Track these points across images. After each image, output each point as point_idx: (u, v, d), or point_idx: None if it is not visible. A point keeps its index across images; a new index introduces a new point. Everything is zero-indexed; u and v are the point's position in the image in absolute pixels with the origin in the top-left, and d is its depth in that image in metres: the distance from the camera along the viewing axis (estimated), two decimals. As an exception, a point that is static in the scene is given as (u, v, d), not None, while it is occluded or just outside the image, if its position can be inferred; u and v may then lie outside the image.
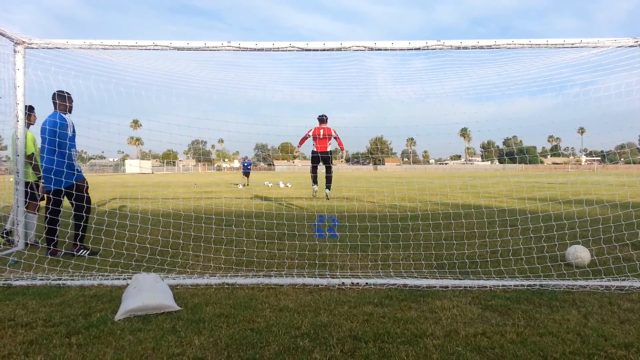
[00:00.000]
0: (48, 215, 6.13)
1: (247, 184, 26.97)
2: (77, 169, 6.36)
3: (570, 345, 3.17)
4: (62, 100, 6.39)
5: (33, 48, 6.13)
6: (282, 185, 24.88)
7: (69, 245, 6.33)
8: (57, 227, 6.26)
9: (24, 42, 6.05)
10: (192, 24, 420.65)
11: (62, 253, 6.19)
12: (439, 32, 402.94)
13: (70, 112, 6.52)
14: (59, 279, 4.85)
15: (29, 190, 6.41)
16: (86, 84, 6.30)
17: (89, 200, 6.41)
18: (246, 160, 30.09)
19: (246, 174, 29.10)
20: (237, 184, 26.91)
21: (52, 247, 6.17)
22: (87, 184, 6.48)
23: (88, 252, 6.16)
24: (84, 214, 6.27)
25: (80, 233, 6.28)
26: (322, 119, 12.65)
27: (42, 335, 3.37)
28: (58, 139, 6.16)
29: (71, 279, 4.87)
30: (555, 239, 6.35)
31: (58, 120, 6.21)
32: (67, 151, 6.20)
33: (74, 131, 6.37)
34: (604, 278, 4.86)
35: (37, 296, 4.30)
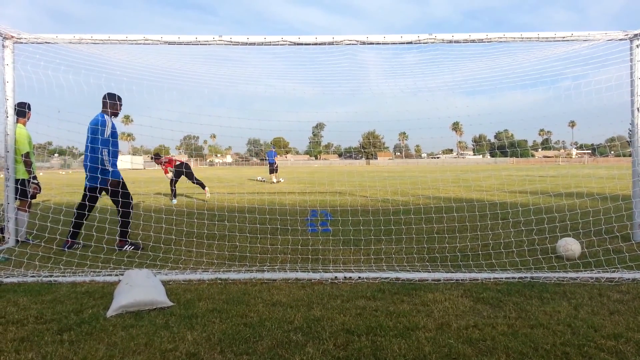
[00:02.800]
0: (75, 211, 6.31)
1: (273, 180, 23.91)
2: (109, 169, 6.33)
3: (561, 337, 3.20)
4: (105, 104, 6.47)
5: (22, 43, 6.06)
6: (274, 180, 24.72)
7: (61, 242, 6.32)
8: (84, 222, 6.35)
9: (12, 36, 5.98)
10: (183, 17, 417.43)
11: (81, 246, 6.29)
12: (432, 25, 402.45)
13: (115, 115, 6.57)
14: (51, 276, 4.82)
15: (19, 187, 6.36)
16: (76, 79, 6.25)
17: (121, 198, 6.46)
18: (273, 150, 25.77)
19: (273, 167, 24.60)
20: (272, 180, 24.23)
21: (69, 240, 6.29)
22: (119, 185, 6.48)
23: (133, 247, 6.33)
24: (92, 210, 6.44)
25: (121, 229, 6.37)
26: None
27: (34, 332, 3.34)
28: (92, 137, 6.25)
29: (63, 276, 4.84)
30: (546, 231, 6.40)
31: (97, 121, 6.31)
32: (99, 150, 6.24)
33: (112, 134, 6.37)
34: (594, 270, 4.91)
35: (28, 293, 4.27)
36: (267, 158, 25.55)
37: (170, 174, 14.15)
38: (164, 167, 14.37)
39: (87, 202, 6.28)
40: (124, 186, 6.45)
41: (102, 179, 6.25)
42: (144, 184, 21.66)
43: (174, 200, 13.67)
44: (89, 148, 6.29)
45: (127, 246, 6.30)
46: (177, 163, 14.31)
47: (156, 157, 14.81)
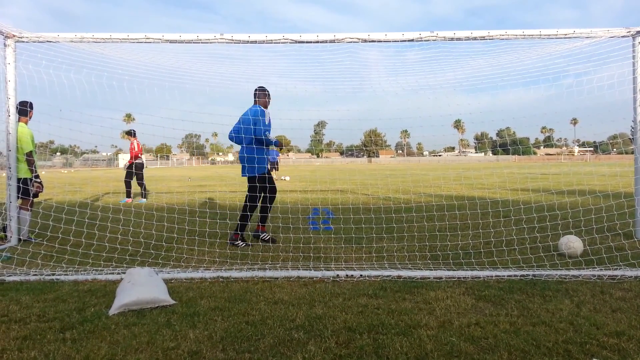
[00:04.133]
0: (247, 203, 6.49)
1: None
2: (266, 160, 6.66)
3: (563, 335, 3.19)
4: (262, 96, 6.73)
5: (24, 42, 6.06)
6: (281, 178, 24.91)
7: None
8: (249, 214, 6.52)
9: (14, 35, 5.98)
10: (186, 16, 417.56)
11: (244, 245, 6.39)
12: (434, 23, 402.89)
13: (265, 107, 6.77)
14: (53, 274, 4.83)
15: (21, 186, 6.37)
16: (77, 77, 6.25)
17: (272, 190, 6.65)
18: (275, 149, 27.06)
19: (274, 165, 25.52)
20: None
21: (237, 232, 6.47)
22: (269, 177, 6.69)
23: (244, 244, 6.40)
24: (251, 204, 6.52)
25: (242, 223, 6.48)
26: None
27: (36, 330, 3.35)
28: (255, 128, 6.46)
29: (65, 274, 4.85)
30: (548, 229, 6.39)
31: (256, 112, 6.53)
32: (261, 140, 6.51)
33: (268, 124, 6.66)
34: (596, 267, 4.90)
35: (31, 292, 4.28)
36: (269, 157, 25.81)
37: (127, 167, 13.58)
38: (135, 148, 13.44)
39: (256, 194, 6.51)
40: (262, 182, 6.56)
41: (249, 167, 6.48)
42: (146, 183, 21.67)
43: (125, 200, 13.03)
44: (252, 139, 6.44)
45: (239, 241, 6.41)
46: (138, 161, 13.55)
47: (131, 133, 13.60)
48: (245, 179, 6.58)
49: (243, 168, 6.53)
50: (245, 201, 6.49)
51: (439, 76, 7.27)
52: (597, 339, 3.11)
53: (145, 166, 13.93)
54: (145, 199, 13.27)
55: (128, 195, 13.28)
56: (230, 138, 6.57)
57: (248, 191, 6.46)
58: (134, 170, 13.39)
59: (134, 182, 13.50)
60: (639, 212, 6.18)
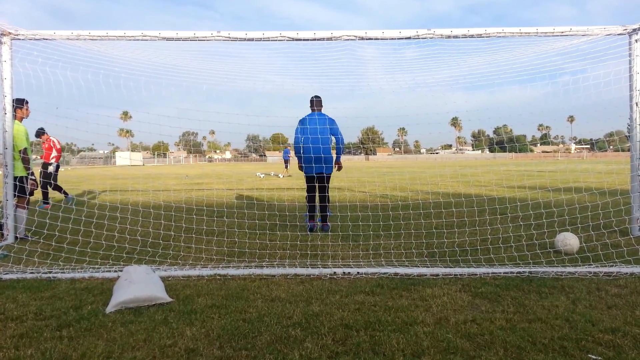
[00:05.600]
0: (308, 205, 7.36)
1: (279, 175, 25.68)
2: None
3: (559, 331, 3.21)
4: (318, 103, 7.49)
5: (20, 39, 6.03)
6: (281, 175, 25.22)
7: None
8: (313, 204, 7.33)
9: (10, 33, 5.95)
10: (183, 13, 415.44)
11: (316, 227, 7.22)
12: (433, 20, 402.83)
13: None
14: (50, 272, 4.82)
15: (18, 184, 6.35)
16: (74, 75, 6.22)
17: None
18: (288, 148, 28.30)
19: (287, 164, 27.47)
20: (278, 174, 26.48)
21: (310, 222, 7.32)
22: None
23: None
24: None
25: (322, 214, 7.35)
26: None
27: (33, 328, 3.35)
28: (332, 127, 7.26)
29: (62, 272, 4.84)
30: (544, 226, 6.41)
31: (331, 117, 7.35)
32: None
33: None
34: (592, 264, 4.92)
35: (28, 289, 4.28)
36: (283, 155, 29.44)
37: (52, 168, 11.33)
38: (56, 145, 11.46)
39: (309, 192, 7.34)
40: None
41: (328, 166, 7.16)
42: (143, 180, 21.67)
43: (46, 204, 10.87)
44: (327, 140, 7.17)
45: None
46: (54, 162, 11.46)
47: (40, 132, 11.45)
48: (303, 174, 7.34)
49: (324, 166, 7.11)
50: (328, 192, 7.28)
51: (436, 74, 7.27)
52: (592, 335, 3.13)
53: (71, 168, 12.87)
54: (47, 204, 10.86)
55: (61, 191, 11.43)
56: (311, 142, 7.12)
57: (327, 183, 7.21)
58: (53, 171, 11.37)
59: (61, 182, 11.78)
60: (635, 209, 6.21)
